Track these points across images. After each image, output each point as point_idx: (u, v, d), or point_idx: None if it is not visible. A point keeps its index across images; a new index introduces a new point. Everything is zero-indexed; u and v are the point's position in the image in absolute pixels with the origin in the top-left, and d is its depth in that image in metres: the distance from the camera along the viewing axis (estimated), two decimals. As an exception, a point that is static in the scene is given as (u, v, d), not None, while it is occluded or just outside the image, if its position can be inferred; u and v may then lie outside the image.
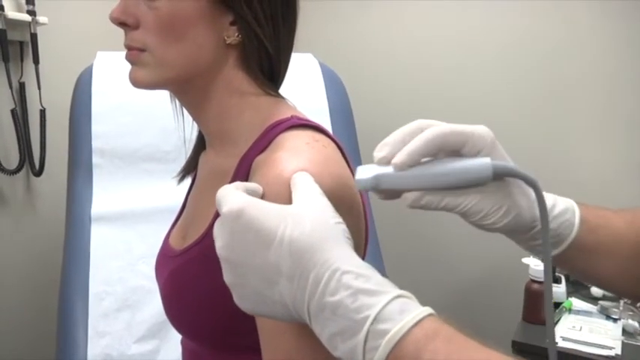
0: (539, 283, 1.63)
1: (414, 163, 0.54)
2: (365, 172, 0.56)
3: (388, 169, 0.55)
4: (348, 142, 1.76)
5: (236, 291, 0.52)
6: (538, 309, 1.63)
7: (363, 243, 0.69)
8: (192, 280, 0.69)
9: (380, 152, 0.56)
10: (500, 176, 0.55)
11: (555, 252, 0.62)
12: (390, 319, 0.44)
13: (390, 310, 0.45)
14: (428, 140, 0.54)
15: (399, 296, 0.46)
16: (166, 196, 1.40)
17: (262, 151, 0.66)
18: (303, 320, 0.49)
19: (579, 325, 1.60)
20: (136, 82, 0.69)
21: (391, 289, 0.46)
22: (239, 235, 0.50)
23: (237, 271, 0.51)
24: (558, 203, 0.62)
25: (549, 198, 0.62)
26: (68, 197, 1.56)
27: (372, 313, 0.44)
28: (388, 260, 1.76)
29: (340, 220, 0.52)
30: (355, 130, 1.87)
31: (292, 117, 0.69)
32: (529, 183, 0.56)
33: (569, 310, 1.71)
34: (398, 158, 0.55)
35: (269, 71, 0.72)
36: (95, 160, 1.57)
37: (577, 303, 1.75)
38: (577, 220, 0.62)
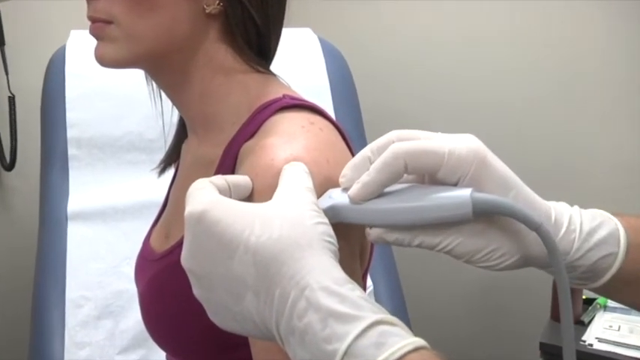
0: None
1: (372, 194, 0.50)
2: (325, 201, 0.53)
3: (346, 200, 0.51)
4: (352, 125, 1.75)
5: (206, 305, 0.49)
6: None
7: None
8: (175, 288, 0.67)
9: (342, 177, 0.53)
10: (485, 214, 0.48)
11: (590, 286, 0.55)
12: (362, 356, 0.40)
13: (365, 343, 0.40)
14: (386, 164, 0.49)
15: (377, 323, 0.41)
16: (152, 189, 1.38)
17: (251, 136, 0.64)
18: (276, 340, 0.46)
19: (617, 324, 1.57)
20: (103, 60, 0.67)
21: (369, 314, 0.42)
22: (201, 241, 0.47)
23: (203, 284, 0.48)
24: (597, 229, 0.53)
25: (586, 219, 0.53)
26: (42, 193, 1.54)
27: (342, 346, 0.40)
28: (401, 255, 1.73)
29: (322, 219, 0.48)
30: (360, 111, 1.86)
31: (284, 96, 0.66)
32: (529, 224, 0.48)
33: (605, 307, 1.67)
34: (352, 190, 0.50)
35: (257, 45, 0.70)
36: (71, 151, 1.55)
37: (612, 298, 1.72)
38: (621, 250, 0.52)
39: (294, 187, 0.51)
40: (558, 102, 1.94)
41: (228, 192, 0.53)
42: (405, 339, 0.41)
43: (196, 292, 0.49)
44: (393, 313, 0.43)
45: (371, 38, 2.23)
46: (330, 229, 0.48)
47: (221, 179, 0.53)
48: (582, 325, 1.57)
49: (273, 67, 0.74)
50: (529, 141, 1.97)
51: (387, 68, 2.21)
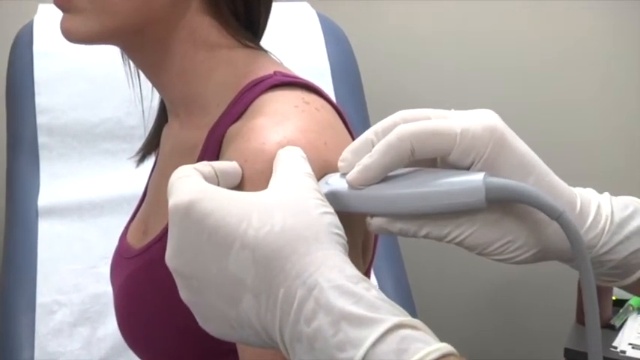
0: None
1: (373, 179, 0.50)
2: (325, 185, 0.52)
3: (344, 186, 0.51)
4: (354, 111, 1.74)
5: (195, 310, 0.48)
6: (595, 308, 1.60)
7: (373, 234, 0.66)
8: (154, 288, 0.67)
9: (341, 162, 0.52)
10: (499, 201, 0.48)
11: (620, 283, 0.55)
12: None
13: (384, 349, 0.39)
14: (391, 146, 0.49)
15: (397, 327, 0.40)
16: (133, 181, 1.35)
17: (238, 118, 0.63)
18: (279, 348, 0.44)
19: (653, 328, 1.56)
20: (70, 35, 0.66)
21: (387, 316, 0.41)
22: (189, 237, 0.46)
23: (192, 286, 0.47)
24: (629, 220, 0.52)
25: (617, 207, 0.53)
26: (8, 187, 1.54)
27: (359, 353, 0.39)
28: (408, 248, 1.72)
29: (328, 209, 0.47)
30: (364, 96, 1.86)
31: (275, 73, 0.66)
32: (549, 213, 0.47)
33: (639, 310, 1.67)
34: (352, 173, 0.50)
35: (245, 17, 0.70)
36: (42, 139, 1.55)
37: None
38: None
39: (293, 173, 0.50)
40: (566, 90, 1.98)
41: (215, 180, 0.52)
42: (429, 345, 0.39)
43: (184, 295, 0.48)
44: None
45: (376, 14, 2.21)
46: (337, 220, 0.47)
47: (207, 166, 0.52)
48: (613, 330, 1.57)
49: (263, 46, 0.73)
50: (538, 113, 2.01)
51: (395, 48, 2.20)
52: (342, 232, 0.47)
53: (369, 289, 0.42)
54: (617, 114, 1.93)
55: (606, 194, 0.54)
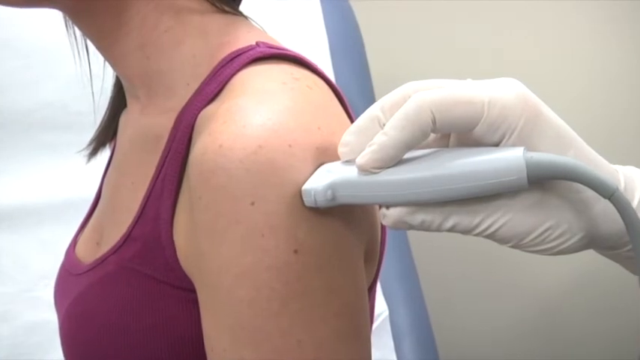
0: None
1: (390, 160, 0.51)
2: (321, 177, 0.53)
3: (352, 173, 0.52)
4: (358, 95, 1.74)
5: None
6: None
7: (379, 236, 0.67)
8: (114, 306, 0.67)
9: (343, 146, 0.54)
10: (542, 180, 0.50)
11: None
12: None
13: None
14: (409, 120, 0.50)
15: None
16: (82, 181, 1.35)
17: (213, 99, 0.64)
18: None
19: None
20: None
21: None
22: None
23: None
24: None
25: None
26: None
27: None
28: (427, 259, 1.73)
29: None
30: (369, 77, 1.87)
31: (258, 44, 0.67)
32: (602, 191, 0.49)
33: None
34: (364, 156, 0.51)
35: None
36: (-37, 130, 1.53)
37: None
38: None
39: None
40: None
41: None
42: None
43: None
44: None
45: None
46: None
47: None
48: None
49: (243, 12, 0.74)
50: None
51: (410, 19, 2.20)
52: None
53: None
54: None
55: None
